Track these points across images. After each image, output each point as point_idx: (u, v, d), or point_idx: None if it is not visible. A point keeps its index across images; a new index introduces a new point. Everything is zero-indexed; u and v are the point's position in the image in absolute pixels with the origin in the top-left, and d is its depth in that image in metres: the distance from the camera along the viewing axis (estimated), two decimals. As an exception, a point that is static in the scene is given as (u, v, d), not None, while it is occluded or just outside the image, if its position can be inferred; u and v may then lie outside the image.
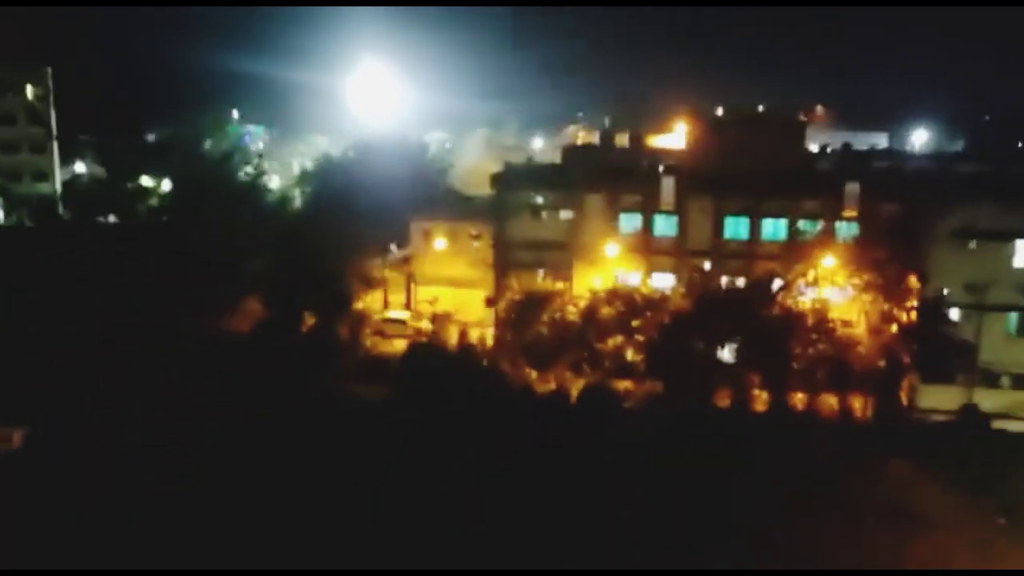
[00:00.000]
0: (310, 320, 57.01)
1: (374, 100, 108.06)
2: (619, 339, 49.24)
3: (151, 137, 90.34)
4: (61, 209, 71.11)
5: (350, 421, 44.60)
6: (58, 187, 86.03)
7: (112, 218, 67.78)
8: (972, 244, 48.00)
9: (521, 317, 51.64)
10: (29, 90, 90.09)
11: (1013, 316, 48.23)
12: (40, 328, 49.80)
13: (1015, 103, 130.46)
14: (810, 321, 47.60)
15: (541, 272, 55.69)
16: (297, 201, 74.16)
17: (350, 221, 61.34)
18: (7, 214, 78.36)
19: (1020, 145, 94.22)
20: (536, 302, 51.59)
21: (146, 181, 72.23)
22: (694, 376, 48.03)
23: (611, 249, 55.10)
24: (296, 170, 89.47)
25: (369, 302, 62.95)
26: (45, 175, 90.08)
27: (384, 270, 65.83)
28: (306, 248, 57.35)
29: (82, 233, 61.93)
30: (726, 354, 49.23)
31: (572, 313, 50.80)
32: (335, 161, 76.03)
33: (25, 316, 50.68)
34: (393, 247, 68.84)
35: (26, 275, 54.02)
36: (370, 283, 62.58)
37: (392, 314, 62.96)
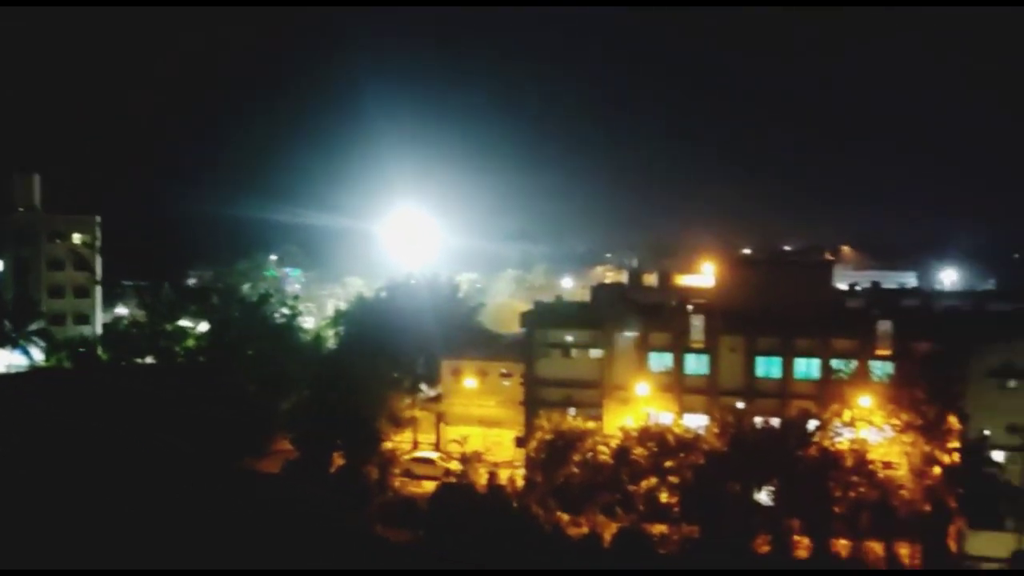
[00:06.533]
0: (339, 460, 56.45)
1: (407, 243, 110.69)
2: (653, 481, 47.96)
3: (191, 281, 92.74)
4: (100, 351, 72.25)
5: (377, 565, 43.22)
6: (99, 330, 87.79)
7: (150, 359, 68.65)
8: (1011, 383, 46.87)
9: (552, 457, 50.65)
10: (77, 237, 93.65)
11: (1061, 457, 46.42)
12: (69, 469, 49.55)
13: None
14: (849, 463, 46.13)
15: (572, 411, 55.01)
16: (331, 341, 74.87)
17: (381, 360, 61.58)
18: (47, 356, 79.59)
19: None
20: (567, 442, 50.69)
21: (184, 323, 73.51)
22: (731, 520, 46.32)
23: (642, 388, 54.57)
24: (331, 311, 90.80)
25: (398, 442, 62.32)
26: (87, 318, 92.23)
27: (414, 410, 65.47)
28: (337, 388, 57.42)
29: (118, 374, 62.63)
30: (764, 497, 47.60)
31: (604, 453, 49.75)
32: (368, 302, 77.14)
33: (56, 457, 50.59)
34: (423, 386, 68.70)
35: (61, 416, 54.32)
36: (400, 423, 62.13)
37: (421, 454, 62.18)
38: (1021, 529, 46.28)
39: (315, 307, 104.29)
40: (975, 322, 55.79)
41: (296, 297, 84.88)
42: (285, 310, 74.58)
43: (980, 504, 45.18)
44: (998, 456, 46.66)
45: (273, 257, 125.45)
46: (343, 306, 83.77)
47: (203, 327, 72.82)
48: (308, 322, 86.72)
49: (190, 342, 70.04)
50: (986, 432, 46.56)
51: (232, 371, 60.91)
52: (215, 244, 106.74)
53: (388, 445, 59.34)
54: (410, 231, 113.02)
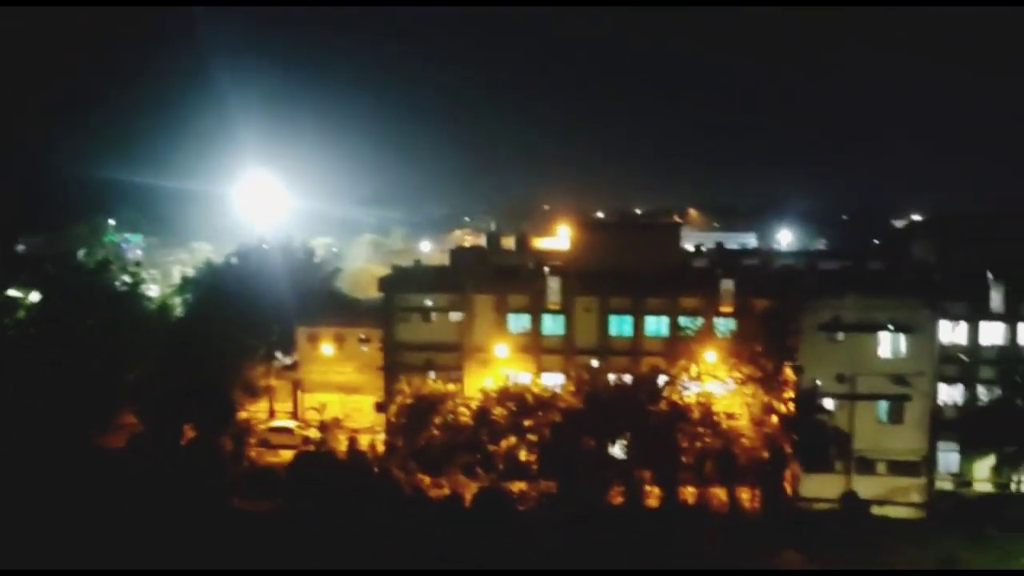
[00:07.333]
0: (191, 432, 54.54)
1: (259, 207, 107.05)
2: (512, 440, 49.00)
3: (20, 248, 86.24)
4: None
5: (235, 536, 42.30)
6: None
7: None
8: (840, 336, 50.55)
9: (412, 421, 50.86)
10: None
11: (883, 404, 50.60)
12: None
13: (869, 202, 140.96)
14: (696, 415, 48.62)
15: (432, 374, 55.21)
16: (178, 310, 71.76)
17: (233, 328, 59.67)
18: None
19: (876, 242, 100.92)
20: (427, 405, 51.01)
21: (13, 293, 68.42)
22: (587, 474, 48.03)
23: (501, 349, 55.36)
24: (177, 278, 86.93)
25: (253, 412, 60.82)
26: None
27: (269, 378, 63.95)
28: (186, 357, 55.26)
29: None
30: (617, 450, 49.57)
31: (464, 415, 50.37)
32: (217, 268, 74.31)
33: None
34: (279, 354, 67.16)
35: None
36: (254, 392, 60.58)
37: (277, 423, 60.92)
38: (848, 471, 50.39)
39: (160, 274, 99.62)
40: (807, 280, 59.53)
41: (138, 264, 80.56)
42: (126, 278, 70.65)
43: (812, 449, 48.75)
44: (828, 404, 50.38)
45: (111, 222, 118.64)
46: (191, 273, 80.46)
47: (35, 297, 68.07)
48: (153, 290, 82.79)
49: (20, 314, 65.34)
50: (818, 382, 50.14)
51: (69, 343, 57.36)
52: (47, 207, 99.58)
53: (243, 415, 57.94)
54: (261, 195, 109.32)
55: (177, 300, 73.32)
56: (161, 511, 42.92)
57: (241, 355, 59.89)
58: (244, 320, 61.26)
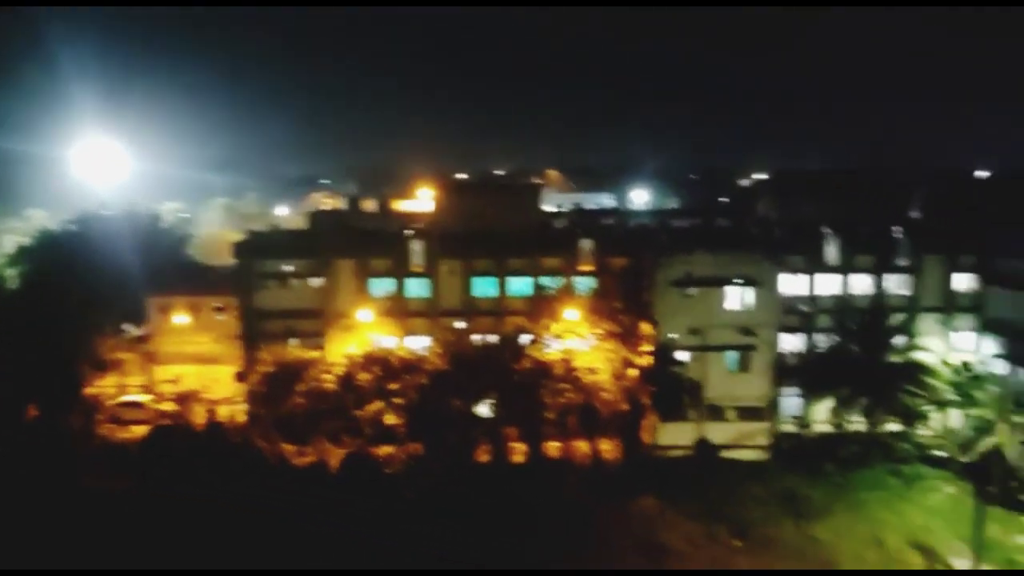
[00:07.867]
0: (34, 412, 51.38)
1: (98, 170, 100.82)
2: (378, 404, 48.73)
3: None
4: None
5: (87, 516, 40.48)
6: None
7: None
8: (691, 291, 52.95)
9: (274, 390, 49.67)
10: None
11: (732, 354, 53.52)
12: None
13: (716, 162, 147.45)
14: (558, 372, 49.85)
15: (294, 342, 54.02)
16: (13, 282, 67.02)
17: (75, 300, 56.29)
18: None
19: (723, 200, 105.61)
20: (290, 373, 49.90)
21: None
22: (454, 435, 48.55)
23: (365, 314, 54.74)
24: (10, 248, 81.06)
25: (103, 387, 57.80)
26: None
27: (118, 351, 60.79)
28: (24, 333, 51.75)
29: None
30: (483, 409, 50.27)
31: (328, 381, 49.61)
32: (55, 236, 69.78)
33: None
34: (128, 326, 63.96)
35: None
36: (102, 366, 57.48)
37: (128, 398, 58.17)
38: (701, 419, 53.18)
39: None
40: (661, 238, 61.77)
41: (-35, 234, 74.68)
42: (-49, 249, 65.52)
43: (668, 400, 51.09)
44: (683, 356, 52.83)
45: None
46: (25, 242, 75.24)
47: None
48: (-18, 262, 76.92)
49: None
50: (672, 335, 52.43)
51: None
52: None
53: (91, 391, 55.03)
54: (100, 157, 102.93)
55: (11, 272, 68.49)
56: (7, 493, 40.56)
57: (85, 328, 56.59)
58: (87, 291, 57.90)
